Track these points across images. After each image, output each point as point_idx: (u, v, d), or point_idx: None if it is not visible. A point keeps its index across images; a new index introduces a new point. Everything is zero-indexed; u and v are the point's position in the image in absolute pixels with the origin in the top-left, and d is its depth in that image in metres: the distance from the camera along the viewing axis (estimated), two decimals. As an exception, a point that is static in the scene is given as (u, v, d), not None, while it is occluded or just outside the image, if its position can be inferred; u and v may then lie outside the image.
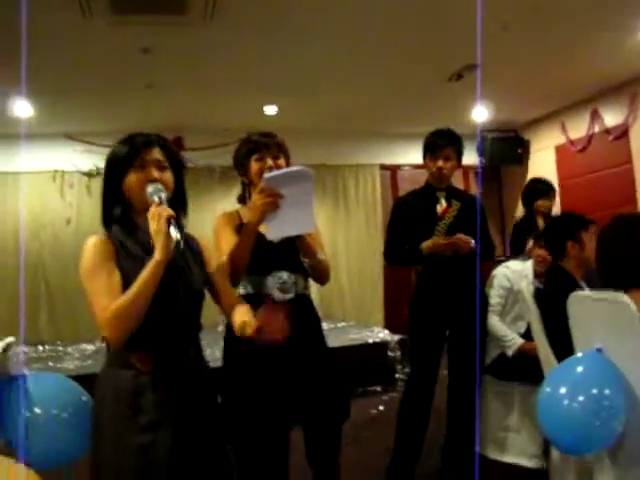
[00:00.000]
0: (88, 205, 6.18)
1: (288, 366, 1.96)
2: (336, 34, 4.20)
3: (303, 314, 2.07)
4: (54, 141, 6.13)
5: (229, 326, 1.89)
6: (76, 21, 3.61)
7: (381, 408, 4.34)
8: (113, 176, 1.61)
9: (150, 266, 1.47)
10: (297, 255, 2.01)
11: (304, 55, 4.55)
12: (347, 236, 7.01)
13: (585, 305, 1.83)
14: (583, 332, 1.82)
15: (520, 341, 2.97)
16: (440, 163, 2.94)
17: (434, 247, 2.82)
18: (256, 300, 1.87)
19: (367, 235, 7.22)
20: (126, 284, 1.49)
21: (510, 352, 2.98)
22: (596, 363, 1.64)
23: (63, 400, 1.61)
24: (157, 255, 1.47)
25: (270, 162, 2.04)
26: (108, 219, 1.64)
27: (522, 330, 3.04)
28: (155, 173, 1.59)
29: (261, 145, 2.07)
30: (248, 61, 4.57)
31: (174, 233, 1.47)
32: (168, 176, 1.63)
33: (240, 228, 2.00)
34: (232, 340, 1.92)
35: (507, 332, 3.02)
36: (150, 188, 1.56)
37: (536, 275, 3.11)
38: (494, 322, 3.06)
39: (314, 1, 3.70)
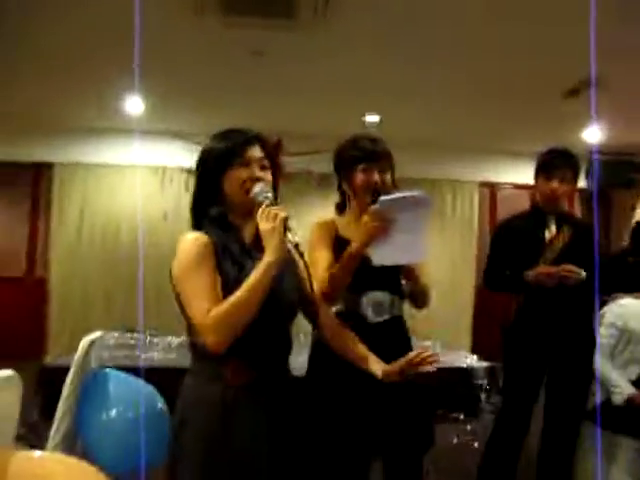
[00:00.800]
0: (185, 201, 6.31)
1: (375, 390, 1.81)
2: (446, 46, 4.07)
3: (396, 337, 1.95)
4: (160, 138, 6.36)
5: (319, 343, 1.80)
6: (189, 20, 3.67)
7: (463, 437, 4.10)
8: (211, 173, 1.50)
9: (261, 267, 1.35)
10: (397, 275, 1.89)
11: (411, 65, 4.45)
12: (440, 253, 6.75)
13: None
14: None
15: (631, 390, 2.67)
16: (555, 184, 2.69)
17: (539, 276, 2.57)
18: (348, 318, 1.77)
19: (461, 253, 6.96)
20: (226, 287, 1.38)
21: (618, 400, 2.68)
22: None
23: (140, 405, 1.57)
24: (269, 256, 1.36)
25: (377, 177, 1.89)
26: (199, 218, 1.53)
27: (634, 376, 2.73)
28: (258, 172, 1.48)
29: (368, 154, 1.91)
30: (353, 68, 4.51)
31: (291, 235, 1.38)
32: (269, 177, 1.52)
33: (337, 240, 1.90)
34: (320, 356, 1.82)
35: (616, 377, 2.73)
36: (257, 188, 1.45)
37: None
38: (602, 364, 2.77)
39: (424, 13, 3.60)
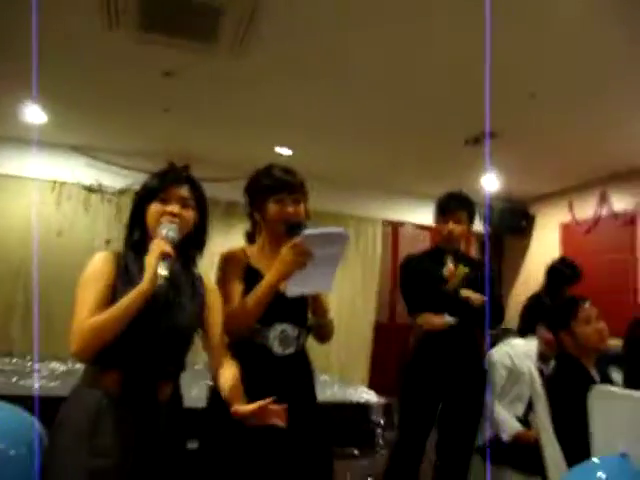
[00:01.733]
0: (83, 220, 6.03)
1: (275, 436, 1.77)
2: (358, 85, 4.19)
3: (300, 370, 1.93)
4: (59, 151, 6.02)
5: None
6: (101, 32, 3.54)
7: (357, 473, 4.09)
8: (139, 203, 1.68)
9: (134, 292, 1.49)
10: (304, 308, 1.87)
11: (324, 101, 4.54)
12: (341, 287, 6.79)
13: (608, 402, 1.68)
14: (604, 431, 1.66)
15: (518, 428, 2.80)
16: (451, 226, 2.86)
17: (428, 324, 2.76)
18: (254, 349, 1.75)
19: (362, 289, 7.07)
20: (113, 302, 1.51)
21: (505, 437, 2.80)
22: (621, 470, 1.47)
23: (13, 434, 1.46)
24: (143, 284, 1.49)
25: (290, 208, 1.88)
26: (127, 240, 1.70)
27: (520, 413, 2.88)
28: (175, 208, 1.63)
29: (282, 185, 1.90)
30: (268, 99, 4.53)
31: (162, 269, 1.50)
32: (189, 214, 1.67)
33: (247, 271, 1.86)
34: (218, 395, 1.77)
35: (505, 415, 2.85)
36: (163, 223, 1.60)
37: (541, 357, 2.97)
38: (494, 405, 2.89)
39: (342, 52, 3.70)
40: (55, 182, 6.06)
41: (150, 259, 1.52)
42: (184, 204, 1.66)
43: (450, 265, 2.85)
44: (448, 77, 3.93)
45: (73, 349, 1.46)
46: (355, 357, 6.88)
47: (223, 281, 1.88)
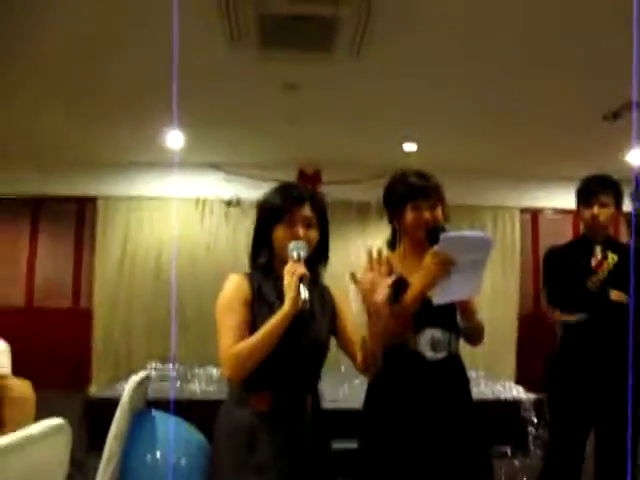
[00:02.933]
0: (225, 233, 6.43)
1: (436, 428, 1.80)
2: (481, 73, 4.05)
3: (454, 374, 1.92)
4: (198, 170, 6.48)
5: (378, 377, 1.81)
6: (225, 53, 3.74)
7: (511, 474, 3.95)
8: (264, 224, 1.70)
9: (278, 317, 1.53)
10: (453, 312, 1.86)
11: (447, 94, 4.45)
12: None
13: None
14: None
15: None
16: (595, 210, 2.64)
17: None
18: (406, 356, 1.80)
19: (503, 280, 6.82)
20: (254, 326, 1.58)
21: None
22: None
23: (184, 447, 1.59)
24: (285, 308, 1.53)
25: (427, 215, 1.88)
26: (252, 260, 1.74)
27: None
28: (301, 231, 1.65)
29: (418, 191, 1.90)
30: (390, 99, 4.53)
31: (303, 292, 1.52)
32: (313, 234, 1.69)
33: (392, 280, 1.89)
34: (377, 390, 1.86)
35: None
36: (292, 244, 1.62)
37: None
38: None
39: (460, 42, 3.60)
40: (198, 199, 6.53)
41: (290, 282, 1.54)
42: (308, 223, 1.67)
43: (598, 255, 2.65)
44: (584, 51, 3.66)
45: (227, 374, 1.53)
46: (501, 351, 6.64)
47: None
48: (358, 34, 3.47)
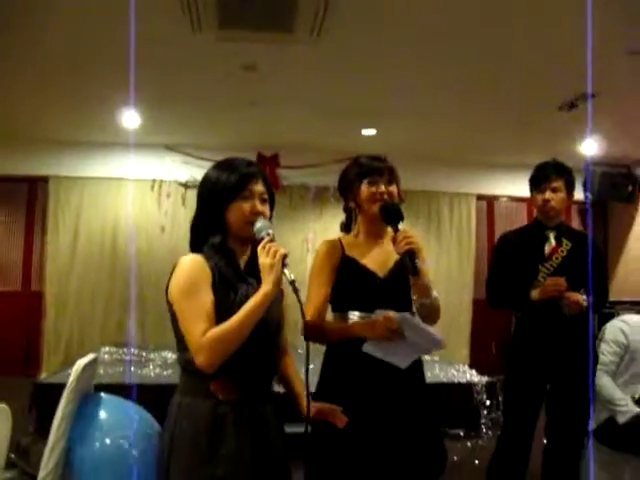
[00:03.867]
0: (182, 215, 6.32)
1: (389, 411, 1.81)
2: (439, 59, 4.08)
3: None
4: (155, 151, 6.35)
5: (329, 354, 1.89)
6: (185, 34, 3.66)
7: (463, 455, 4.04)
8: (215, 203, 1.60)
9: (258, 297, 1.45)
10: (408, 293, 1.85)
11: (405, 79, 4.45)
12: (437, 265, 6.70)
13: None
14: None
15: (635, 409, 2.63)
16: (547, 195, 2.68)
17: (543, 295, 2.56)
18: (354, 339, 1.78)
19: (458, 266, 6.94)
20: (219, 309, 1.48)
21: (622, 419, 2.63)
22: None
23: (134, 431, 1.54)
24: (267, 288, 1.45)
25: (383, 187, 1.89)
26: (197, 242, 1.62)
27: (637, 395, 2.69)
28: (259, 206, 1.59)
29: (374, 170, 1.92)
30: (350, 82, 4.50)
31: (288, 272, 1.47)
32: (267, 209, 1.62)
33: (343, 260, 1.88)
34: (330, 373, 1.89)
35: (620, 395, 2.68)
36: (259, 223, 1.55)
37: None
38: (604, 382, 2.73)
39: (419, 28, 3.61)
40: (154, 180, 6.39)
41: (272, 262, 1.45)
42: (263, 199, 1.62)
43: (552, 241, 2.70)
44: (541, 41, 3.71)
45: (201, 362, 1.42)
46: (455, 335, 6.76)
47: (314, 273, 1.92)
48: (319, 15, 3.43)
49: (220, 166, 1.65)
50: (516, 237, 2.86)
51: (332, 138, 5.66)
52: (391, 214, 1.83)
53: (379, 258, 1.92)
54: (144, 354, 5.50)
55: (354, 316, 1.88)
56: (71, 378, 1.50)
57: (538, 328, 2.65)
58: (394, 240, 1.80)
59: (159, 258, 6.12)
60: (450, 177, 6.88)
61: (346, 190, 2.00)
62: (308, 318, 1.77)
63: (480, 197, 7.12)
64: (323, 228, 6.29)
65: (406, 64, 4.17)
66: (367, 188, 1.91)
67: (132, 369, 4.83)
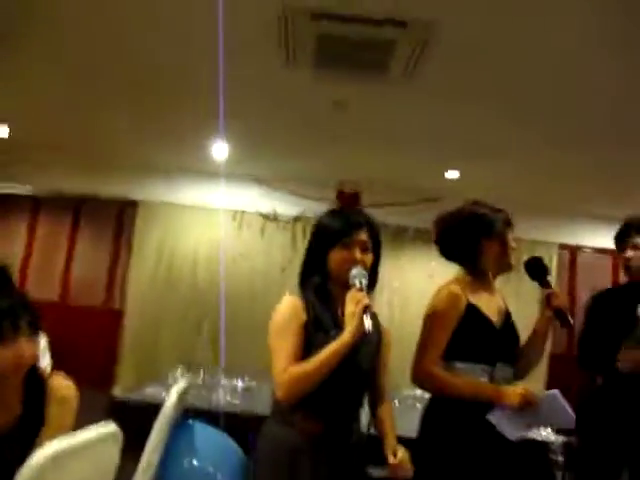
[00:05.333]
0: (260, 246, 6.45)
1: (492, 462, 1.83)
2: (529, 106, 4.04)
3: None
4: (239, 182, 6.51)
5: (432, 408, 1.91)
6: (279, 71, 3.79)
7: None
8: (320, 247, 1.72)
9: (338, 344, 1.53)
10: (516, 346, 1.95)
11: (496, 125, 4.45)
12: (515, 316, 6.45)
13: None
14: None
15: None
16: (629, 254, 2.56)
17: (633, 363, 2.42)
18: None
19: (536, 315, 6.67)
20: (308, 348, 1.58)
21: None
22: None
23: (221, 459, 1.58)
24: (346, 337, 1.53)
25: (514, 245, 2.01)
26: (303, 281, 1.74)
27: None
28: (359, 255, 1.66)
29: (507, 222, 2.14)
30: (438, 124, 4.52)
31: (367, 322, 1.52)
32: (369, 258, 1.70)
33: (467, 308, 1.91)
34: (433, 421, 1.90)
35: None
36: (354, 271, 1.62)
37: None
38: None
39: (514, 77, 3.62)
40: (236, 212, 6.58)
41: (352, 311, 1.54)
42: (364, 248, 1.69)
43: None
44: (623, 85, 3.60)
45: (280, 396, 1.55)
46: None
47: (432, 324, 1.94)
48: (414, 57, 3.47)
49: (332, 213, 1.78)
50: (608, 295, 2.74)
51: (414, 178, 5.66)
52: (537, 269, 1.88)
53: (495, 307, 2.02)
54: (214, 379, 5.57)
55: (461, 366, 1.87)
56: (167, 406, 1.56)
57: (622, 393, 2.49)
58: (548, 297, 1.84)
59: (233, 287, 6.24)
60: (531, 224, 6.61)
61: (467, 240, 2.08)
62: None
63: (562, 246, 6.88)
64: (401, 270, 6.28)
65: (495, 110, 4.15)
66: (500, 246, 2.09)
67: (203, 393, 4.89)
